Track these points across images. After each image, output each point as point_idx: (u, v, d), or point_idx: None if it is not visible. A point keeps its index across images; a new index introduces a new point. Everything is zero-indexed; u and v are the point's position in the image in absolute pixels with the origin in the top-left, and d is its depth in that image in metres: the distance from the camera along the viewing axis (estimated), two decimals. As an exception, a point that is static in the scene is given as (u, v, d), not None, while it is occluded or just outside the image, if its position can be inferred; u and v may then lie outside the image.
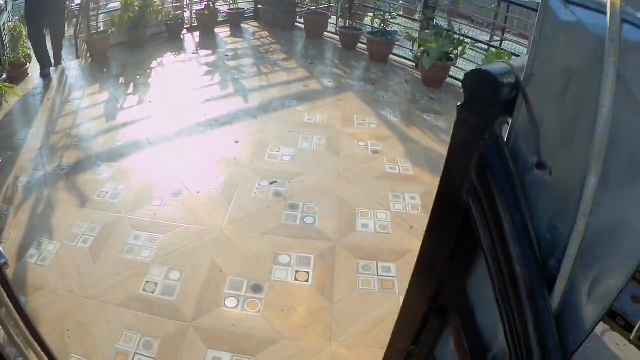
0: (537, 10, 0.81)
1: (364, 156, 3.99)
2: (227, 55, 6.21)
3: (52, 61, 5.55)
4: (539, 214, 0.89)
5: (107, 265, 2.76)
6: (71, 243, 2.92)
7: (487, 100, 0.87)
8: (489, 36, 6.66)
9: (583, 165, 0.79)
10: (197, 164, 3.77)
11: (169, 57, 6.14)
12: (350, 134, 4.32)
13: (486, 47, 5.88)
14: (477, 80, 0.87)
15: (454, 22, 5.71)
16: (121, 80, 5.34)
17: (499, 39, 6.16)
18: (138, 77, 5.41)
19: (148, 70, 5.66)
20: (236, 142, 4.08)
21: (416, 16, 7.07)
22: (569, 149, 0.82)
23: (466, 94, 0.90)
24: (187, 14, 7.12)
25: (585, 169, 0.78)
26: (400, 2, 8.31)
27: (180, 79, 5.47)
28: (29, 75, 5.43)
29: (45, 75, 5.33)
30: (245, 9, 7.93)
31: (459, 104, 0.91)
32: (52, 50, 5.60)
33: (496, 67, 0.88)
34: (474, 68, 0.90)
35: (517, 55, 5.34)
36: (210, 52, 6.38)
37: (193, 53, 6.35)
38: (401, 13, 7.42)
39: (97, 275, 2.69)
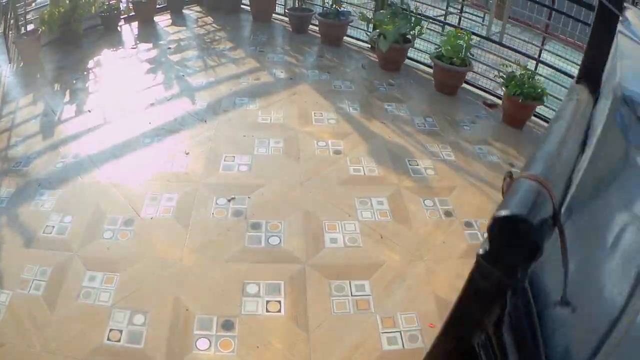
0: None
1: (326, 158, 3.83)
2: (170, 48, 5.84)
3: None
4: (554, 344, 0.78)
5: (65, 314, 2.54)
6: (23, 291, 2.66)
7: (520, 259, 0.68)
8: (444, 12, 6.52)
9: (613, 306, 0.67)
10: (146, 183, 3.50)
11: (106, 54, 5.70)
12: (309, 133, 4.13)
13: (444, 25, 5.76)
14: (510, 232, 0.67)
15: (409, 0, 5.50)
16: (56, 86, 4.93)
17: (457, 10, 6.03)
18: (74, 81, 5.01)
19: (85, 72, 5.24)
20: (186, 154, 3.81)
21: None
22: (598, 289, 0.71)
23: (492, 244, 0.71)
24: (123, 3, 6.64)
25: (613, 311, 0.67)
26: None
27: (120, 80, 5.09)
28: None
29: None
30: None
31: (480, 251, 0.71)
32: None
33: (530, 197, 0.68)
34: (505, 213, 0.67)
35: (477, 35, 5.16)
36: (150, 45, 5.97)
37: (132, 48, 5.94)
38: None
39: (56, 326, 2.47)
